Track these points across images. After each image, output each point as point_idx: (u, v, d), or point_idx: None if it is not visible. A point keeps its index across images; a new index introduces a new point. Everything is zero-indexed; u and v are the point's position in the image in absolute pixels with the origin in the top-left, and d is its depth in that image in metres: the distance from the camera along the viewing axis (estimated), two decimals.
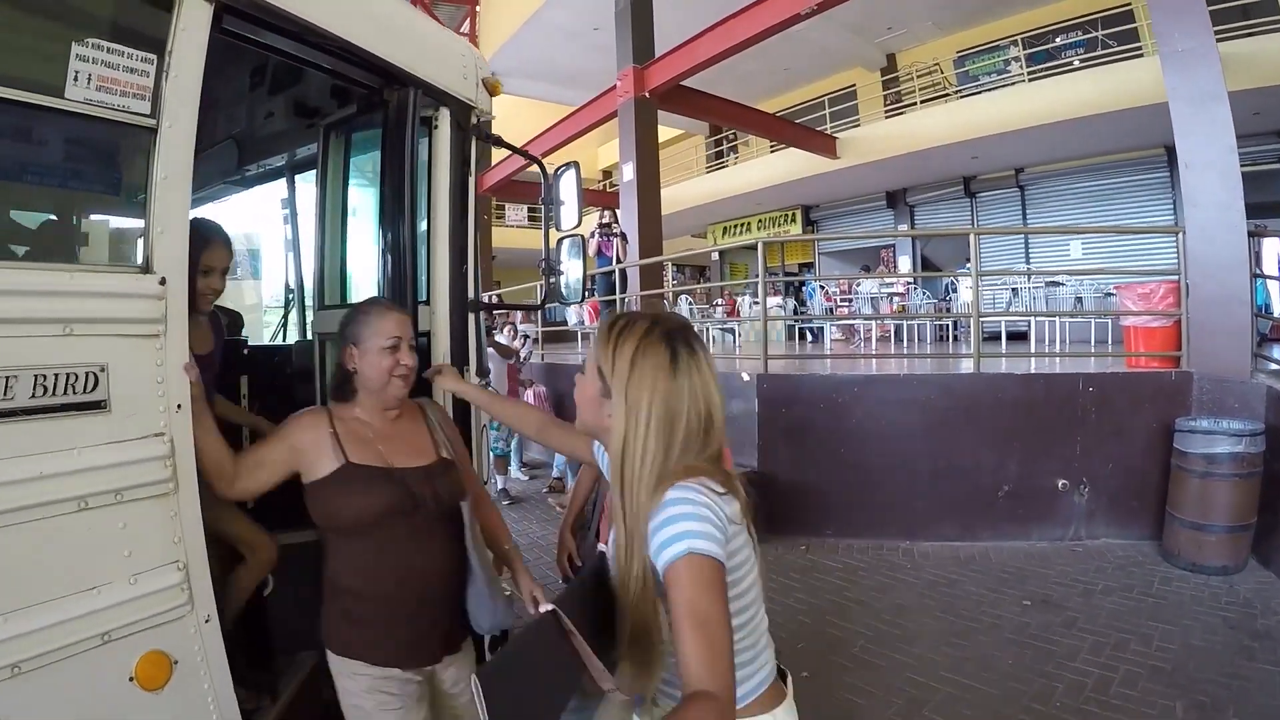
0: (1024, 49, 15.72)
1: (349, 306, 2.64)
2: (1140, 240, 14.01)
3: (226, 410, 2.86)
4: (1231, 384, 5.99)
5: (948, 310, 14.13)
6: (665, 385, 1.42)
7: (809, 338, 15.73)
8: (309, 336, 3.73)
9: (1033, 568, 5.71)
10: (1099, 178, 15.40)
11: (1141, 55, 12.39)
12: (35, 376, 1.51)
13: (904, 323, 12.85)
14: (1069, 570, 5.63)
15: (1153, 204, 14.40)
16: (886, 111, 18.40)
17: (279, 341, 4.24)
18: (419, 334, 2.61)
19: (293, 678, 2.89)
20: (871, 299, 14.38)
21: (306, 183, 4.06)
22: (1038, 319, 11.33)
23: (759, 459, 6.86)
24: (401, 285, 2.75)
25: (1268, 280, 8.90)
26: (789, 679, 1.65)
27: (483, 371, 3.11)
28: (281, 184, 4.19)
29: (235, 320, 3.47)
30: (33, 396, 1.51)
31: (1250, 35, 11.05)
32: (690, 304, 15.87)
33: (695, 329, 1.60)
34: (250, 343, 3.78)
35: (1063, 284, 12.96)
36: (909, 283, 14.99)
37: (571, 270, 3.39)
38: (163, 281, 1.75)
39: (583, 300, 3.38)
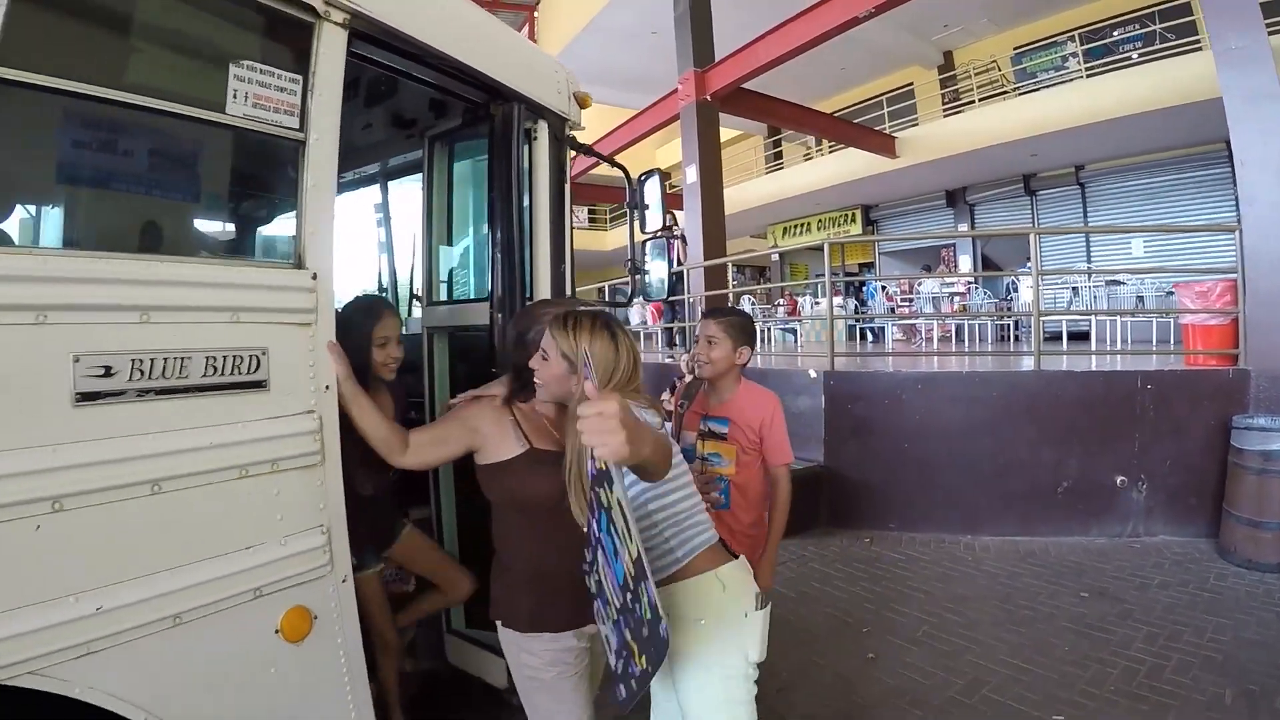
0: (1081, 44, 15.43)
1: (456, 303, 2.84)
2: (1201, 237, 13.68)
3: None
4: None
5: (1009, 310, 13.96)
6: (608, 346, 2.03)
7: (869, 337, 15.70)
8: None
9: (1091, 562, 5.71)
10: (1160, 174, 15.07)
11: (1200, 49, 12.04)
12: (207, 358, 1.72)
13: (965, 322, 12.77)
14: (1126, 565, 5.63)
15: (1215, 199, 13.99)
16: (944, 110, 18.20)
17: None
18: None
19: None
20: (933, 299, 14.27)
21: (398, 188, 4.33)
22: (1099, 318, 11.17)
23: (825, 454, 6.93)
24: (512, 284, 2.96)
25: None
26: (740, 557, 2.22)
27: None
28: (375, 189, 4.42)
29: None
30: (204, 375, 1.72)
31: None
32: (753, 303, 15.91)
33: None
34: None
35: (1123, 283, 12.74)
36: (969, 282, 14.81)
37: (655, 270, 3.58)
38: (314, 276, 1.98)
39: (668, 297, 3.57)
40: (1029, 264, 8.02)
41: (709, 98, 12.81)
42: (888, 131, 17.52)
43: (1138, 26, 14.70)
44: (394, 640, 2.97)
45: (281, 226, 2.04)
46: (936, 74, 19.25)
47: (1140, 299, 12.22)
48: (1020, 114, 14.51)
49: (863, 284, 17.55)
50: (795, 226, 23.47)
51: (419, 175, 3.89)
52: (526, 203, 3.05)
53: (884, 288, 16.03)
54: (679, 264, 11.43)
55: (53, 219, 1.91)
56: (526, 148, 3.04)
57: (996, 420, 6.60)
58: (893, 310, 15.06)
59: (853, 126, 17.49)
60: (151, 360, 1.61)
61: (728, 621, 2.06)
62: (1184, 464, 6.25)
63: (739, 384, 3.12)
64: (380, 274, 4.44)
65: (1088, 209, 16.53)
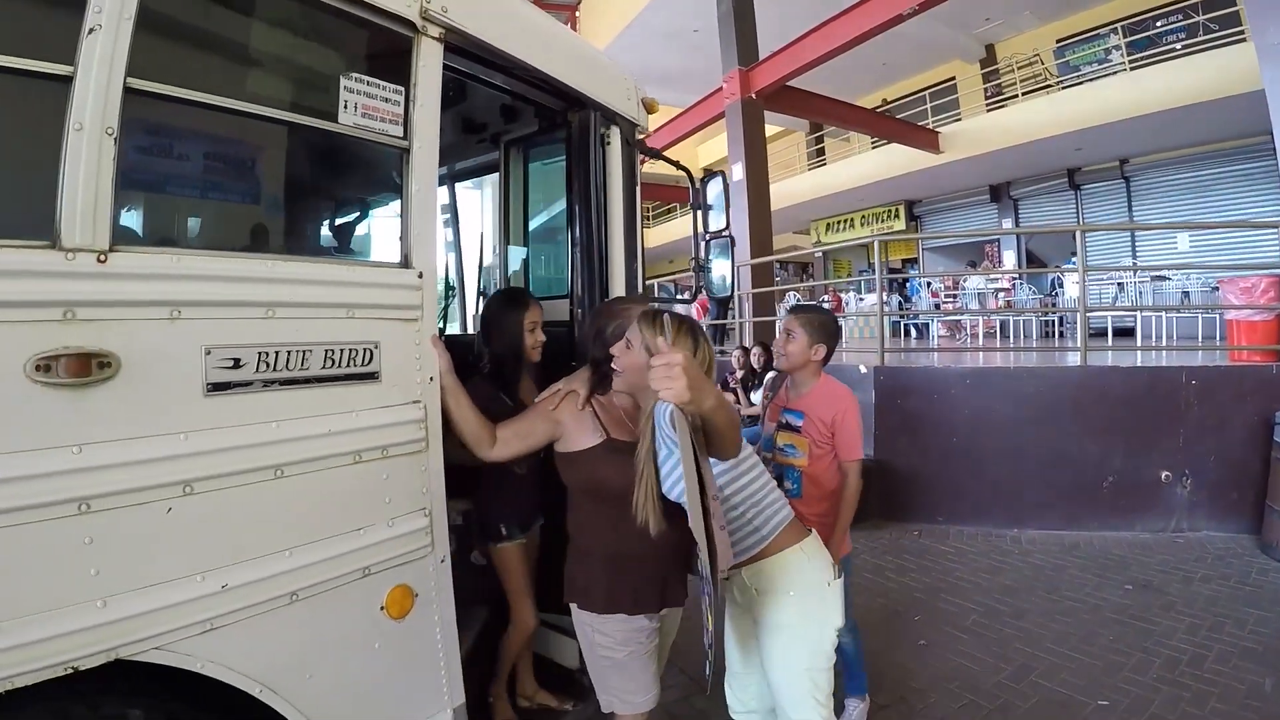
0: (1124, 36, 15.16)
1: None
2: (1247, 232, 13.44)
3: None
4: None
5: (1054, 306, 13.80)
6: (687, 345, 2.05)
7: (913, 333, 15.60)
8: (468, 329, 4.17)
9: (1135, 556, 5.71)
10: (1206, 167, 14.78)
11: (1244, 40, 11.67)
12: (325, 351, 1.82)
13: (1010, 318, 12.66)
14: (1169, 559, 5.62)
15: (1263, 192, 13.74)
16: (987, 104, 18.01)
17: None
18: None
19: (470, 630, 3.17)
20: (978, 295, 14.16)
21: (466, 190, 4.46)
22: (1144, 314, 11.04)
23: (874, 448, 6.93)
24: (591, 281, 3.08)
25: None
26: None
27: None
28: (443, 191, 4.52)
29: None
30: (323, 367, 1.82)
31: None
32: (797, 299, 15.89)
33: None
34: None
35: (1169, 278, 12.56)
36: (1014, 278, 14.63)
37: (718, 268, 3.66)
38: (420, 275, 2.08)
39: (732, 294, 3.65)
40: (1074, 259, 7.97)
41: (754, 95, 12.86)
42: (931, 126, 17.38)
43: (1181, 18, 14.46)
44: (525, 617, 3.04)
45: (389, 229, 2.15)
46: (979, 68, 19.06)
47: (1186, 294, 12.04)
48: (1064, 108, 14.32)
49: (905, 280, 17.42)
50: (838, 222, 23.26)
51: (484, 178, 4.03)
52: (602, 204, 3.15)
53: (929, 284, 15.91)
54: None
55: (184, 221, 2.03)
56: (601, 152, 3.14)
57: (1043, 415, 6.57)
58: (937, 306, 14.96)
59: (897, 122, 17.41)
60: (276, 353, 1.71)
61: (814, 591, 2.22)
62: (1227, 460, 6.19)
63: (817, 379, 3.19)
64: (447, 271, 4.54)
65: (1132, 203, 16.24)
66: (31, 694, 1.35)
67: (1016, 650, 4.18)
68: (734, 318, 12.13)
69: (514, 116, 3.67)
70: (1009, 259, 18.74)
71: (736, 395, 8.44)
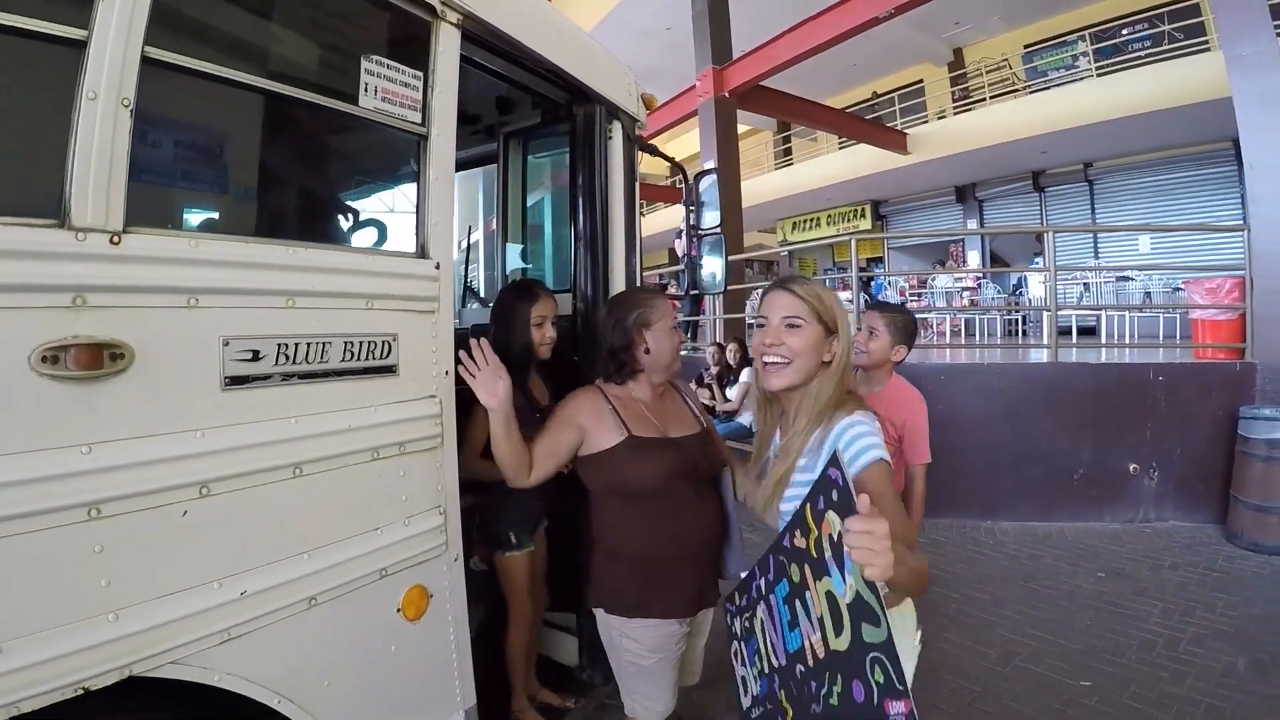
0: (1091, 43, 15.32)
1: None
2: (1207, 235, 13.54)
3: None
4: None
5: (1017, 305, 13.94)
6: (847, 318, 1.85)
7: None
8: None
9: (1106, 545, 5.78)
10: (1167, 172, 14.96)
11: (1208, 49, 11.96)
12: (345, 342, 1.71)
13: (975, 317, 12.72)
14: (1139, 548, 5.71)
15: (1221, 197, 13.91)
16: (954, 107, 18.10)
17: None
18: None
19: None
20: (946, 293, 14.22)
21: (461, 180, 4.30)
22: (1108, 313, 11.19)
23: None
24: (595, 275, 2.99)
25: None
26: None
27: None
28: None
29: None
30: (343, 359, 1.71)
31: None
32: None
33: None
34: None
35: (1132, 279, 12.71)
36: (979, 277, 14.75)
37: (709, 264, 3.57)
38: (437, 266, 1.96)
39: (725, 290, 3.58)
40: (1038, 259, 8.01)
41: (727, 94, 12.75)
42: (899, 128, 17.40)
43: (1147, 26, 14.60)
44: (527, 623, 2.95)
45: (406, 218, 2.02)
46: (947, 71, 19.12)
47: (1148, 294, 12.20)
48: (1030, 111, 14.41)
49: (871, 279, 17.45)
50: (805, 221, 23.19)
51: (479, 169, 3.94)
52: (604, 198, 3.06)
53: (893, 283, 15.96)
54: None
55: (199, 203, 1.90)
56: (604, 146, 3.05)
57: (1014, 410, 6.61)
58: (904, 304, 14.95)
59: (865, 123, 17.40)
60: (296, 344, 1.60)
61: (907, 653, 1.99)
62: (1193, 452, 6.29)
63: (890, 379, 3.07)
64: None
65: (1095, 205, 16.39)
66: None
67: (998, 636, 4.21)
68: (705, 315, 12.13)
69: (510, 108, 3.57)
70: (973, 259, 18.84)
71: (711, 391, 8.40)
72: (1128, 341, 10.17)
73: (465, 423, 2.33)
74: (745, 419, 7.58)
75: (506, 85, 2.98)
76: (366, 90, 1.79)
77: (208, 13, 1.64)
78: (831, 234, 21.24)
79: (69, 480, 1.24)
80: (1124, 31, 15.16)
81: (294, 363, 1.59)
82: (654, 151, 3.46)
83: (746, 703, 1.89)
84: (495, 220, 3.87)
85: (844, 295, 14.40)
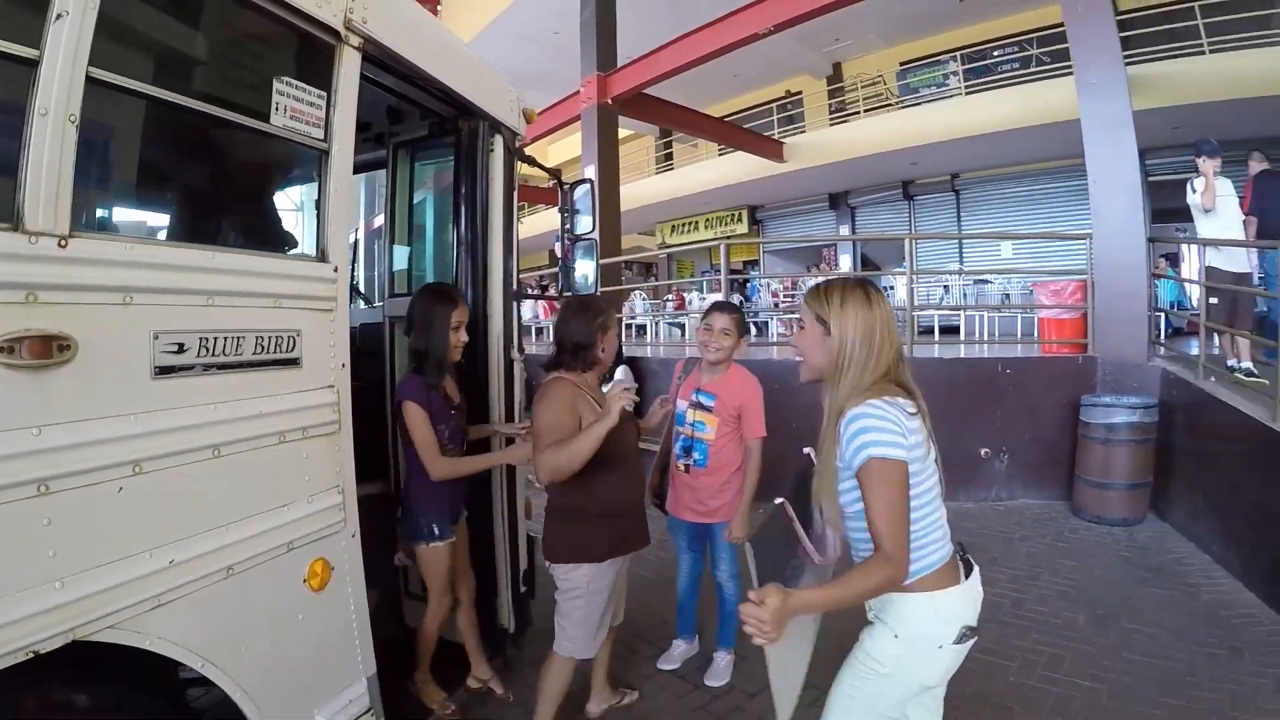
0: (963, 64, 16.16)
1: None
2: (1061, 242, 14.46)
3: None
4: (1129, 367, 6.74)
5: None
6: (864, 313, 1.85)
7: (753, 331, 16.10)
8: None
9: (960, 523, 6.13)
10: (1028, 183, 15.99)
11: (1070, 73, 12.51)
12: (257, 337, 1.92)
13: None
14: (991, 524, 6.28)
15: (1076, 207, 14.41)
16: (831, 119, 18.79)
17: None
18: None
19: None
20: None
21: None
22: (967, 313, 11.97)
23: None
24: (474, 276, 3.33)
25: (1186, 282, 10.05)
26: (973, 570, 2.01)
27: (522, 348, 3.62)
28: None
29: None
30: (254, 352, 1.92)
31: (1173, 58, 11.69)
32: (643, 299, 16.16)
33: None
34: None
35: (991, 281, 13.59)
36: None
37: (581, 267, 3.90)
38: (335, 269, 2.21)
39: (595, 291, 3.86)
40: (904, 264, 8.58)
41: (610, 101, 12.99)
42: (776, 137, 18.00)
43: (1016, 49, 15.48)
44: (443, 609, 3.15)
45: (308, 225, 2.25)
46: (825, 84, 19.82)
47: (1007, 296, 13.09)
48: (902, 125, 15.24)
49: (747, 280, 17.94)
50: (684, 224, 23.74)
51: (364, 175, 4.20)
52: (485, 206, 3.37)
53: (768, 284, 16.52)
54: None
55: (132, 210, 2.08)
56: (485, 158, 3.35)
57: None
58: (776, 305, 15.58)
59: (744, 132, 17.91)
60: (215, 338, 1.79)
61: (921, 645, 1.86)
62: (1039, 437, 6.94)
63: (730, 366, 3.58)
64: None
65: (961, 213, 17.37)
66: None
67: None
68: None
69: (400, 119, 3.80)
70: (845, 262, 19.58)
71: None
72: (985, 339, 10.94)
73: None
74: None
75: (398, 99, 3.24)
76: (277, 109, 2.00)
77: (143, 39, 1.81)
78: (709, 237, 21.73)
79: (23, 459, 1.38)
80: (995, 53, 16.12)
81: (213, 355, 1.79)
82: (533, 162, 3.73)
83: None
84: (381, 222, 4.12)
85: (714, 298, 14.85)
